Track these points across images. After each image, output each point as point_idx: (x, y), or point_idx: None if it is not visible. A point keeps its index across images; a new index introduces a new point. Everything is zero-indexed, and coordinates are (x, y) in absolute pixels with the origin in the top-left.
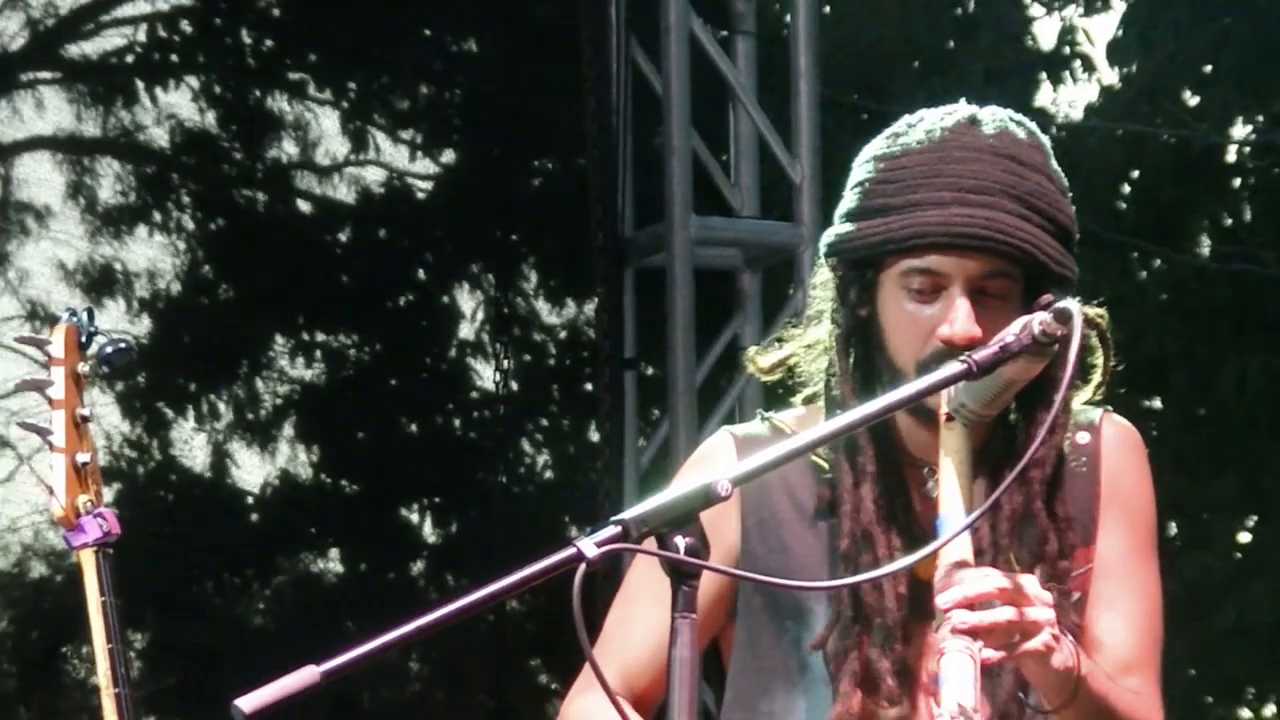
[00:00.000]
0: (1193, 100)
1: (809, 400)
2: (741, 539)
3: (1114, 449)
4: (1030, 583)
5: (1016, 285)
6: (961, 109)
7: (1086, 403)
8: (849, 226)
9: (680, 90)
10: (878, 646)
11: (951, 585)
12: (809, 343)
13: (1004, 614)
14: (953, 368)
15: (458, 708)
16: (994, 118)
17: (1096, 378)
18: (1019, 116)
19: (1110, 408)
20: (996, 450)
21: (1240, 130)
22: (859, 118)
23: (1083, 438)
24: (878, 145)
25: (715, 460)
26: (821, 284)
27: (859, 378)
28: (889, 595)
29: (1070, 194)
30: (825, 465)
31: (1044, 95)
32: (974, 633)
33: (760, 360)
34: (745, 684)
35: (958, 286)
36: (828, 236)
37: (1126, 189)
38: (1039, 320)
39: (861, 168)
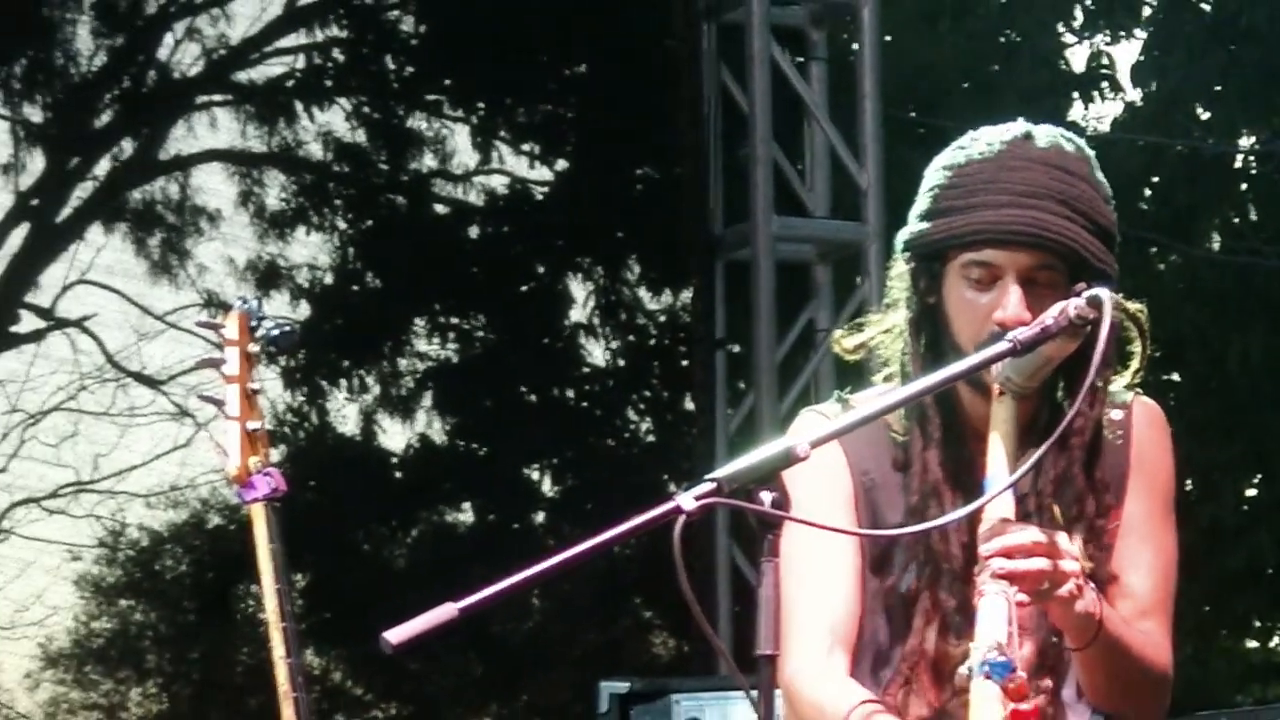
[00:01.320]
0: (1204, 115)
1: (888, 378)
2: (857, 497)
3: (1143, 425)
4: (1062, 539)
5: (1062, 277)
6: (1018, 126)
7: (1126, 386)
8: (921, 226)
9: (763, 108)
10: (945, 589)
11: (994, 537)
12: (887, 327)
13: (1037, 563)
14: (1000, 346)
15: (571, 638)
16: (1046, 134)
17: (1135, 364)
18: (1069, 134)
19: (1140, 390)
20: (1043, 424)
21: (1246, 141)
22: (916, 132)
23: (1117, 414)
24: (946, 156)
25: (805, 428)
26: (897, 275)
27: (928, 356)
28: (954, 544)
29: (1113, 201)
30: (900, 432)
31: (1076, 111)
32: (1010, 578)
33: (845, 343)
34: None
35: (1011, 277)
36: (903, 234)
37: (1147, 192)
38: (1074, 305)
39: (933, 175)
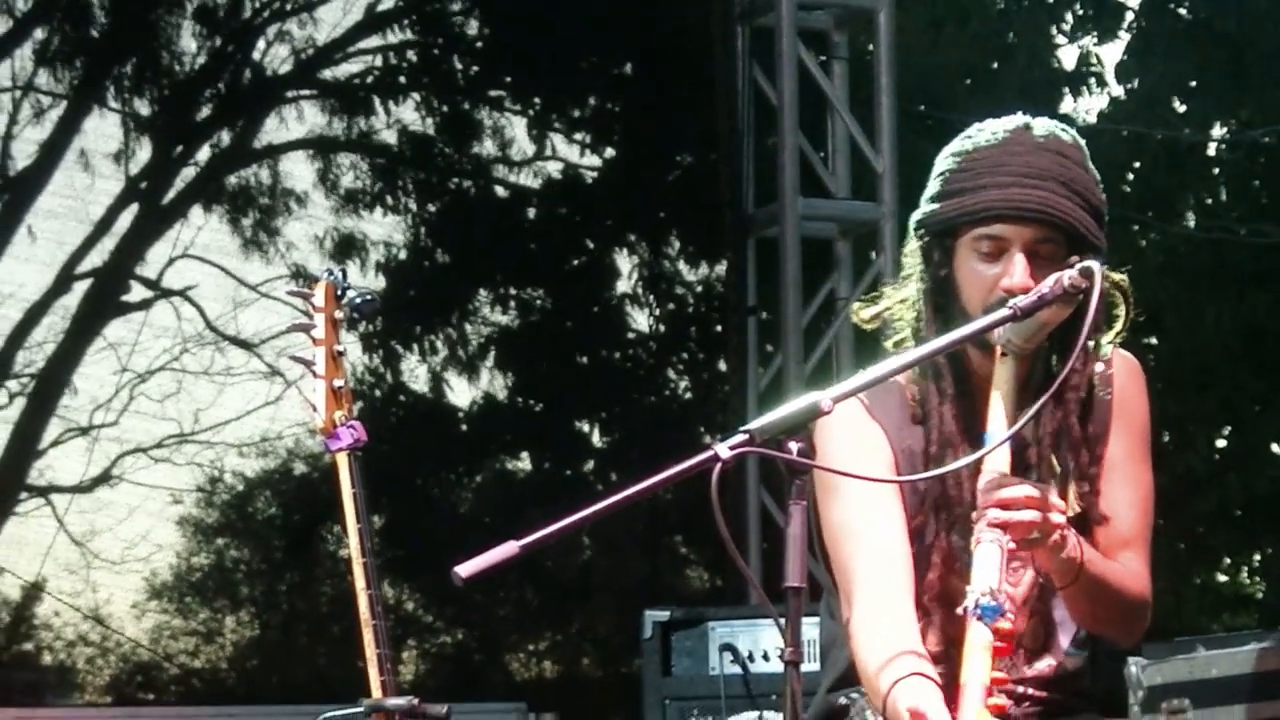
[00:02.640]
0: (1181, 108)
1: (898, 345)
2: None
3: (1123, 376)
4: (1050, 493)
5: (1061, 250)
6: (1019, 118)
7: (1108, 342)
8: (933, 206)
9: (790, 102)
10: (957, 532)
11: (991, 490)
12: (901, 299)
13: (1029, 515)
14: (1002, 312)
15: (618, 572)
16: (1044, 125)
17: (1119, 325)
18: (1064, 125)
19: (1118, 344)
20: (1038, 383)
21: (1218, 131)
22: (926, 123)
23: (1099, 368)
24: (954, 145)
25: (850, 409)
26: (911, 252)
27: (939, 322)
28: (965, 490)
29: (1102, 185)
30: (915, 396)
31: (1067, 105)
32: (1004, 527)
33: (862, 314)
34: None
35: (1016, 249)
36: (917, 214)
37: (1130, 176)
38: (1067, 276)
39: (943, 161)
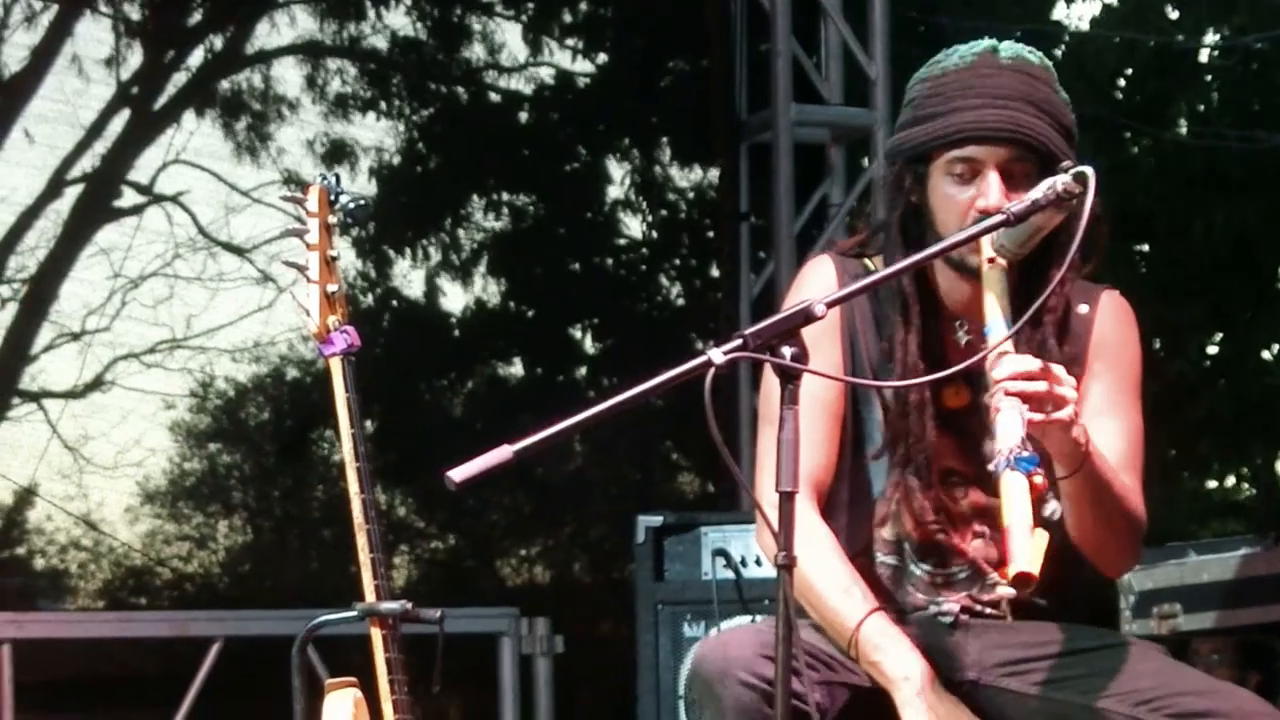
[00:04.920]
0: (1174, 14)
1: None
2: (844, 341)
3: (1107, 315)
4: (1060, 370)
5: (1034, 170)
6: (985, 43)
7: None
8: (904, 133)
9: (783, 7)
10: (912, 470)
11: (1003, 364)
12: (875, 227)
13: (1042, 384)
14: (996, 218)
15: (610, 478)
16: (1010, 48)
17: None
18: (1030, 48)
19: (1111, 285)
20: (1020, 305)
21: (1210, 37)
22: (918, 30)
23: (1083, 309)
24: (922, 71)
25: (819, 271)
26: (883, 181)
27: (912, 250)
28: (929, 428)
29: (1071, 106)
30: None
31: (1059, 11)
32: (1020, 395)
33: (840, 244)
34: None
35: (990, 168)
36: (889, 144)
37: (1122, 83)
38: (1061, 180)
39: (912, 89)
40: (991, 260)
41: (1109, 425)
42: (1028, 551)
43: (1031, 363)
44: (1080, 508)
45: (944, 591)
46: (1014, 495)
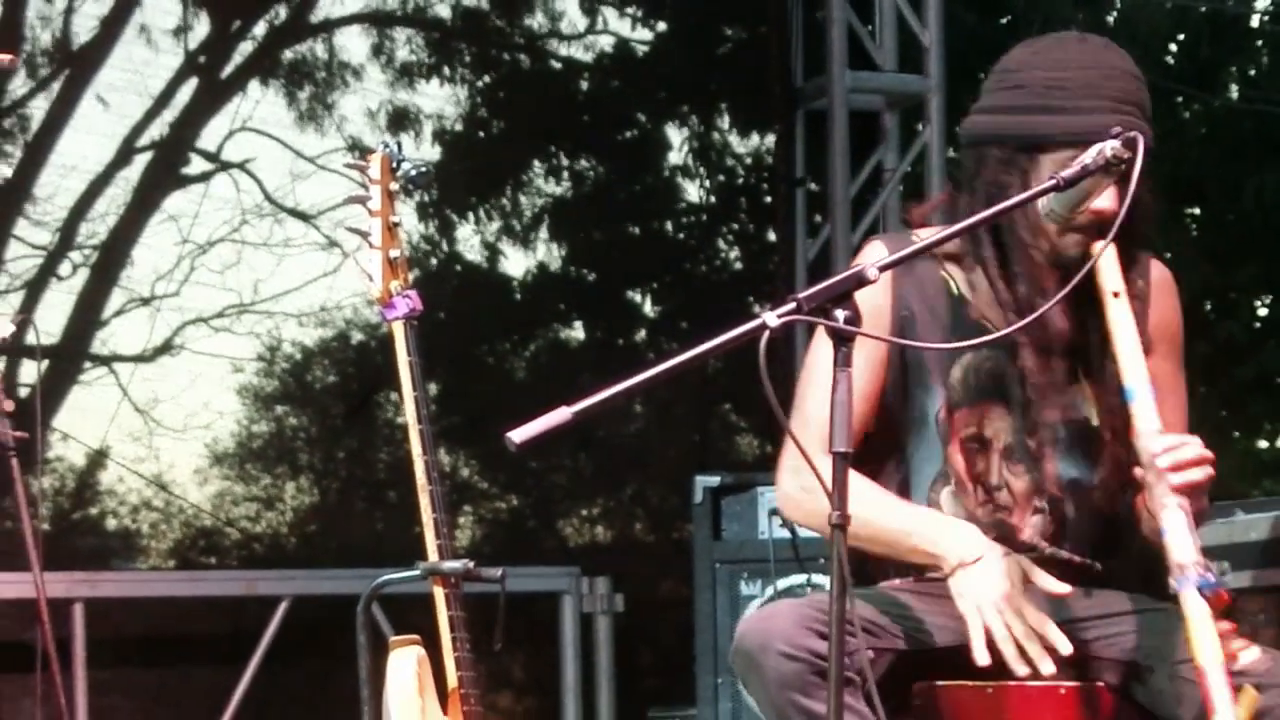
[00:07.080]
0: None
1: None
2: (895, 327)
3: (1163, 294)
4: (1199, 445)
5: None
6: (1099, 38)
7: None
8: (1022, 118)
9: None
10: (1001, 418)
11: (1164, 451)
12: (960, 195)
13: (1204, 472)
14: (1047, 183)
15: (669, 440)
16: (1120, 50)
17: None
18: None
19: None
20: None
21: (1262, 3)
22: None
23: (1139, 284)
24: (1026, 56)
25: (871, 253)
26: (975, 154)
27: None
28: (1028, 369)
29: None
30: (954, 282)
31: None
32: (1184, 491)
33: (913, 212)
34: (882, 428)
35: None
36: (992, 121)
37: (1173, 48)
38: (1110, 146)
39: (1019, 72)
40: (1116, 294)
41: (1173, 402)
42: (1231, 713)
43: (1194, 450)
44: None
45: None
46: (1202, 628)
